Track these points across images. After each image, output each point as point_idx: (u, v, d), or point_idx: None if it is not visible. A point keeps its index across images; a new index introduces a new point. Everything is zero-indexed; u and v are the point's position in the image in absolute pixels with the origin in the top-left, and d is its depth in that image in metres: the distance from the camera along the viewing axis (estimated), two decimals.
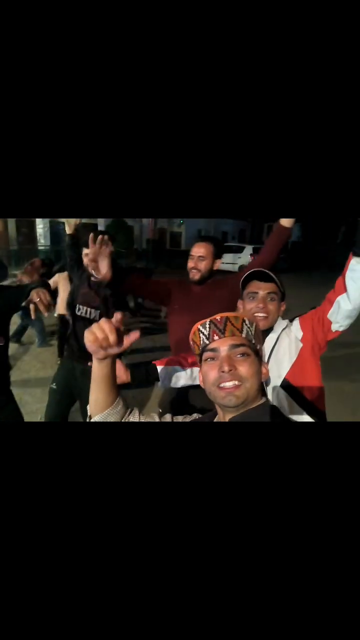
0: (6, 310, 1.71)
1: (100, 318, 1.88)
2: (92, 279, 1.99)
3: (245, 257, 13.30)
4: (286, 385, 1.17)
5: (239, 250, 13.61)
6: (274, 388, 1.17)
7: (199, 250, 1.75)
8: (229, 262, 12.33)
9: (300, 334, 1.20)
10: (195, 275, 1.76)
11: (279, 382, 1.18)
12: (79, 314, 2.00)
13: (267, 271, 1.20)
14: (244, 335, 0.75)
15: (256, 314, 1.19)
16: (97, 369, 0.77)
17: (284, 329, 1.22)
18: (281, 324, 1.24)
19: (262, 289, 1.20)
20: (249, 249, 13.57)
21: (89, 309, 2.01)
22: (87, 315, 2.01)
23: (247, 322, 0.77)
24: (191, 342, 0.83)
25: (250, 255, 13.17)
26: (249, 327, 0.77)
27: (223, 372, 0.72)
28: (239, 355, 0.74)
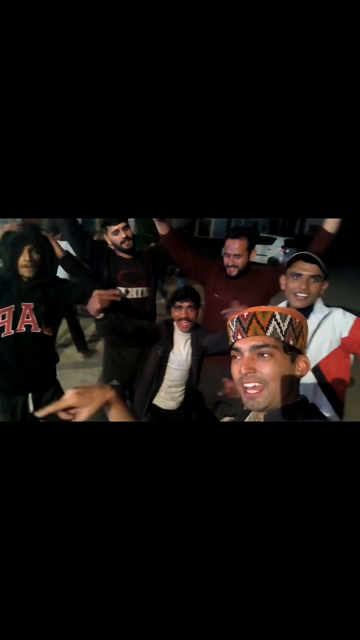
0: (60, 303, 1.66)
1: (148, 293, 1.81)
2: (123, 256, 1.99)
3: (275, 248, 12.92)
4: (316, 371, 1.24)
5: (270, 241, 13.22)
6: None
7: (234, 247, 1.74)
8: (258, 253, 12.06)
9: (345, 334, 1.22)
10: (232, 272, 1.78)
11: (311, 366, 1.22)
12: (129, 297, 2.00)
13: (312, 254, 1.24)
14: (269, 333, 0.71)
15: (298, 294, 1.25)
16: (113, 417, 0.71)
17: (326, 315, 1.26)
18: (322, 309, 1.28)
19: (306, 270, 1.24)
20: (280, 241, 13.16)
21: (138, 289, 2.02)
22: (138, 295, 2.03)
23: (277, 317, 0.72)
24: None
25: (282, 248, 12.80)
26: (278, 323, 0.71)
27: (241, 373, 0.70)
28: (260, 356, 0.70)
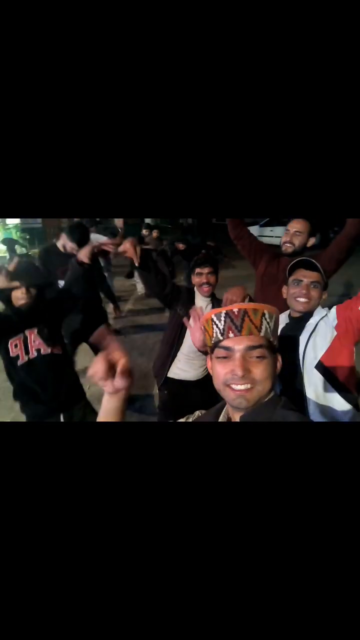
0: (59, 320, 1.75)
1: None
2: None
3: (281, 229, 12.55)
4: (320, 367, 1.26)
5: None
6: (310, 369, 1.26)
7: (296, 225, 1.81)
8: (277, 235, 11.72)
9: (335, 322, 1.27)
10: (288, 249, 1.83)
11: (314, 364, 1.27)
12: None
13: (313, 260, 1.29)
14: (262, 333, 0.68)
15: (298, 299, 1.30)
16: (107, 402, 0.71)
17: (322, 317, 1.31)
18: (320, 312, 1.33)
19: (307, 277, 1.30)
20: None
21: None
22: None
23: (267, 315, 0.69)
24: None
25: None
26: (268, 323, 0.69)
27: (235, 375, 0.66)
28: (254, 358, 0.67)
